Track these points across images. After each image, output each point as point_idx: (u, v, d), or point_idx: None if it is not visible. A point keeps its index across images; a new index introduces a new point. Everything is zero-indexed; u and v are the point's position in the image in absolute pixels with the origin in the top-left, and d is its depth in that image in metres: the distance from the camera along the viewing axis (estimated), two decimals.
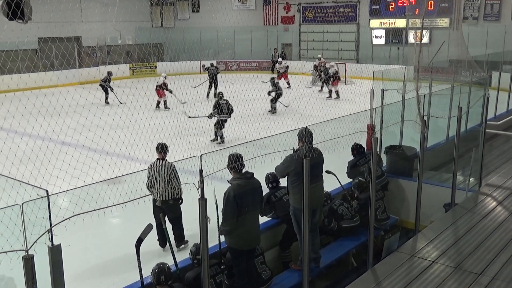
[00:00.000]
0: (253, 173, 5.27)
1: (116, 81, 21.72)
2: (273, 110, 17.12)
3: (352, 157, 7.79)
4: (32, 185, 3.24)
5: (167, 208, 6.94)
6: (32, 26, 6.17)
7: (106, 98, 19.69)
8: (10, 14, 4.83)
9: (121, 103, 17.93)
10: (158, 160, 7.09)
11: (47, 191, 3.14)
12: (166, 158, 7.21)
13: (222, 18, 29.60)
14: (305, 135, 5.39)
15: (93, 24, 26.91)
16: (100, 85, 19.82)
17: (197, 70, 28.48)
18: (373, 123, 6.99)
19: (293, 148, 5.62)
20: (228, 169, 5.03)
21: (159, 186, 6.88)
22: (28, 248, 3.07)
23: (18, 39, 20.26)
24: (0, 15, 5.33)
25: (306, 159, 4.92)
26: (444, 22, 25.62)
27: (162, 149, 7.14)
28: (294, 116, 15.96)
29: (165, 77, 18.28)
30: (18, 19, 4.90)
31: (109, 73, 20.19)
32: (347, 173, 7.72)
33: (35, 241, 3.09)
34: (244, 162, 5.08)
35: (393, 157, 8.40)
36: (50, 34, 16.21)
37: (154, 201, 7.05)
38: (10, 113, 7.59)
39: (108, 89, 19.75)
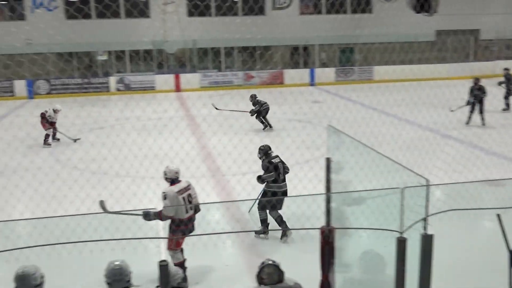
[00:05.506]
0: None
1: None
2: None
3: None
4: (415, 173, 3.32)
5: None
6: (431, 18, 6.32)
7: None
8: (417, 7, 5.03)
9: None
10: None
11: (427, 180, 3.16)
12: None
13: None
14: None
15: (493, 16, 25.54)
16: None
17: None
18: None
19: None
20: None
21: None
22: (403, 231, 3.19)
23: (415, 31, 21.26)
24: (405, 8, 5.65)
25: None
26: None
27: None
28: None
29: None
30: (424, 11, 5.06)
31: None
32: None
33: (410, 226, 3.18)
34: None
35: None
36: (448, 26, 16.24)
37: None
38: (397, 102, 8.05)
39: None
